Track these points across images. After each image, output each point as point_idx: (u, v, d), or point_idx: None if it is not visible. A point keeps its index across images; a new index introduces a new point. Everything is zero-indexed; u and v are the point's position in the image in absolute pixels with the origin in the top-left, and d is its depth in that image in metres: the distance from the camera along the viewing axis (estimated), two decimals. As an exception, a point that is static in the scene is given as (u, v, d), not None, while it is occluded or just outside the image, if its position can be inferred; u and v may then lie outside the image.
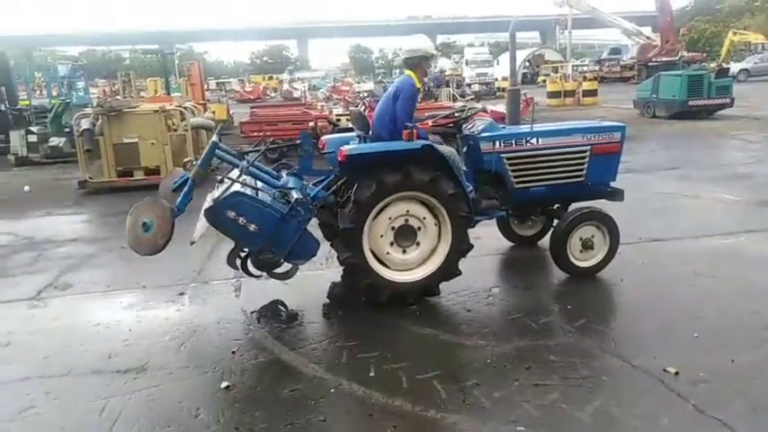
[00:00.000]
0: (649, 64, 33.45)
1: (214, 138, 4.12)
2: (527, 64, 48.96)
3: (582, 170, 4.60)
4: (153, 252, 3.72)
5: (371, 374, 3.22)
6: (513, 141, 4.49)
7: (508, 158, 4.46)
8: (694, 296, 4.13)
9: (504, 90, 31.46)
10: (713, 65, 27.19)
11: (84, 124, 9.26)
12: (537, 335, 3.63)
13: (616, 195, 4.78)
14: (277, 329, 3.89)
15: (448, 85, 29.68)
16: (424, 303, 4.16)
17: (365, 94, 20.33)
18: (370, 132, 4.42)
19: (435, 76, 32.06)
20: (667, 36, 35.19)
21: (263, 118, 13.24)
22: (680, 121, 14.79)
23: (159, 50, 23.31)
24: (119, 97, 15.72)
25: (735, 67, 32.40)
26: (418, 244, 4.12)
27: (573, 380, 3.07)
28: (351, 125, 12.02)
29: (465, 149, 4.58)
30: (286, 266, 4.16)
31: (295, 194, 3.85)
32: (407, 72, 4.30)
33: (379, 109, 4.34)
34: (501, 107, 13.85)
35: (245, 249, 4.10)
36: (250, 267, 4.14)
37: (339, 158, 3.88)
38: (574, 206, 4.72)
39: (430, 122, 5.01)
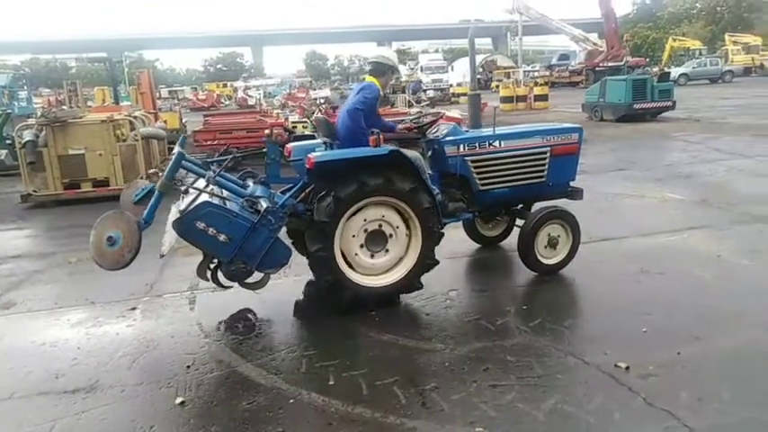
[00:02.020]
0: (596, 69, 34.70)
1: (178, 148, 4.02)
2: (480, 70, 49.96)
3: (543, 171, 4.75)
4: (119, 266, 3.66)
5: (331, 383, 3.19)
6: (477, 144, 4.58)
7: (472, 161, 4.55)
8: (642, 292, 4.28)
9: (458, 95, 32.14)
10: (656, 69, 28.40)
11: (27, 136, 8.86)
12: (494, 336, 3.68)
13: (575, 194, 4.98)
14: (233, 341, 3.82)
15: (404, 91, 29.92)
16: (382, 309, 4.16)
17: (321, 101, 20.27)
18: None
19: (414, 84, 32.38)
20: (612, 42, 36.56)
21: (216, 126, 13.03)
22: (626, 123, 15.37)
23: (107, 58, 22.60)
24: (64, 107, 15.16)
25: (675, 72, 34.02)
26: (387, 251, 4.14)
27: (529, 379, 3.12)
28: (307, 132, 12.06)
29: (430, 153, 4.66)
30: (257, 276, 4.07)
31: (264, 203, 3.79)
32: (370, 78, 4.37)
33: (343, 116, 4.34)
34: (456, 113, 14.03)
35: (215, 260, 4.02)
36: (220, 278, 4.05)
37: (307, 165, 3.87)
38: (538, 206, 4.87)
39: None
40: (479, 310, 4.13)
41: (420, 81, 37.29)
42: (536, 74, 40.91)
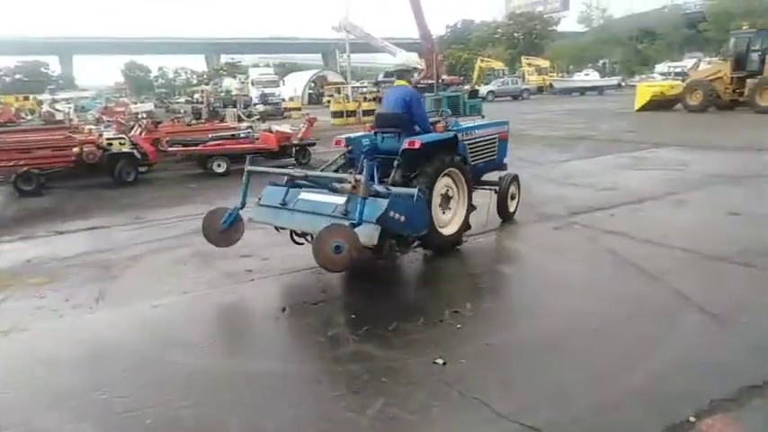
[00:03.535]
0: (418, 86, 37.08)
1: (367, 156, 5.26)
2: (312, 85, 50.66)
3: (495, 150, 6.72)
4: (346, 268, 4.27)
5: (149, 421, 2.96)
6: (470, 132, 6.24)
7: (468, 144, 6.06)
8: (456, 291, 4.69)
9: (291, 110, 32.12)
10: (467, 87, 31.35)
11: None
12: (325, 348, 3.73)
13: (504, 167, 7.00)
14: (29, 389, 3.35)
15: (235, 105, 29.12)
16: (208, 334, 3.99)
17: (143, 116, 18.85)
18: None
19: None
20: (430, 61, 39.43)
21: (12, 145, 11.36)
22: (445, 136, 16.69)
23: None
24: None
25: (484, 89, 37.92)
26: (450, 208, 5.59)
27: (357, 386, 3.21)
28: (125, 150, 11.12)
29: None
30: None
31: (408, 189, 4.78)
32: (400, 82, 5.80)
33: (400, 104, 5.53)
34: (287, 127, 14.01)
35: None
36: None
37: (415, 147, 5.08)
38: (490, 176, 6.76)
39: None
40: (311, 323, 4.15)
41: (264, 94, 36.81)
42: (365, 89, 42.54)
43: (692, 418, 2.79)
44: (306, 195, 4.97)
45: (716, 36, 46.30)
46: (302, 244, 5.21)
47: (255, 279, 5.11)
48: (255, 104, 33.45)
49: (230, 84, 53.63)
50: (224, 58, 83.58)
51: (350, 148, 5.72)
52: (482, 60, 50.28)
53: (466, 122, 6.72)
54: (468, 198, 5.71)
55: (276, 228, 5.12)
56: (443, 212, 5.51)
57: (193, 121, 17.40)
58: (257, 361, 3.62)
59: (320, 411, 3.00)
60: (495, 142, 6.71)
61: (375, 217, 4.30)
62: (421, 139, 5.15)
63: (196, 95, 41.70)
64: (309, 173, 5.08)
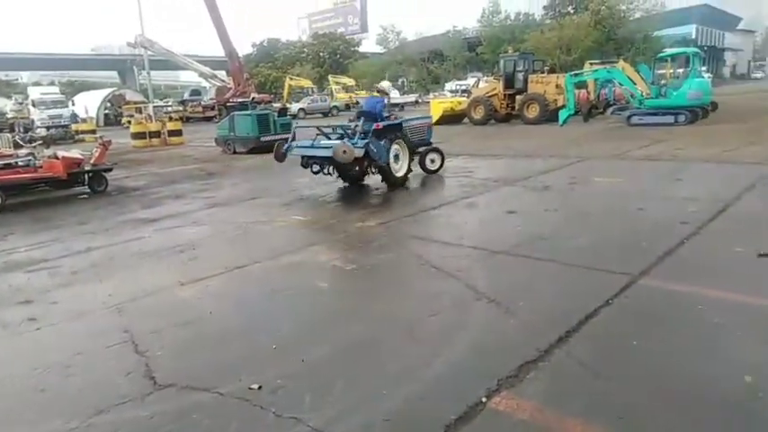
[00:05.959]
0: (227, 104, 36.06)
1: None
2: (108, 105, 46.17)
3: (425, 133, 11.13)
4: (349, 162, 8.91)
5: None
6: (409, 122, 10.66)
7: (408, 129, 10.46)
8: (270, 309, 4.65)
9: (83, 132, 28.80)
10: (277, 105, 31.37)
11: None
12: (123, 395, 3.38)
13: (431, 143, 11.20)
14: None
15: (13, 130, 25.34)
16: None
17: None
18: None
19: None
20: (238, 80, 38.69)
21: None
22: (257, 155, 16.49)
23: None
24: None
25: (295, 107, 38.38)
26: (402, 160, 9.98)
27: (165, 430, 3.00)
28: None
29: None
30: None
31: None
32: (375, 94, 10.92)
33: (373, 107, 9.99)
34: (76, 152, 12.59)
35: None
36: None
37: (378, 128, 9.34)
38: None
39: None
40: (107, 369, 3.75)
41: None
42: (169, 109, 40.12)
43: (483, 399, 3.13)
44: (323, 141, 9.70)
45: (491, 58, 53.07)
46: (317, 173, 10.15)
47: (42, 327, 4.50)
48: (38, 128, 29.39)
49: (4, 105, 46.35)
50: (-4, 76, 72.13)
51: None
52: (291, 79, 50.87)
53: (410, 116, 11.41)
54: (408, 157, 10.07)
55: (307, 162, 10.08)
56: (396, 163, 9.80)
57: (-46, 151, 14.66)
58: (46, 423, 3.17)
59: (123, 464, 2.73)
60: (424, 128, 11.15)
61: (362, 144, 8.90)
62: (382, 123, 9.48)
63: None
64: (332, 125, 10.35)
